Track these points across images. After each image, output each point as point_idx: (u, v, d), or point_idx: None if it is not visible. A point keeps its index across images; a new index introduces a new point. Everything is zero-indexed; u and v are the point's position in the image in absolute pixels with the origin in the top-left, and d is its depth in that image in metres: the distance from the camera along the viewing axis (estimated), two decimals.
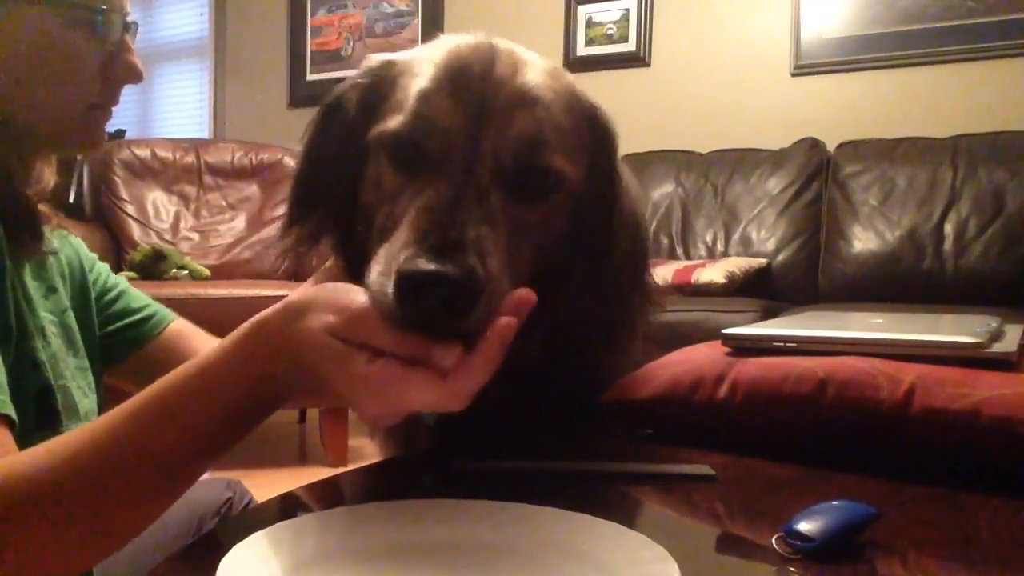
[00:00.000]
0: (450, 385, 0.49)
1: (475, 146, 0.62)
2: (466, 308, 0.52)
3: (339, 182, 0.74)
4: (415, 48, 0.73)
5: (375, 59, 0.75)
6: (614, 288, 0.76)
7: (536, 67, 0.69)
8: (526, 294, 0.52)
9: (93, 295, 0.96)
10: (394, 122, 0.66)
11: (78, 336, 0.90)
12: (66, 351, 0.87)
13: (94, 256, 1.00)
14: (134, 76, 0.84)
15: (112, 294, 0.99)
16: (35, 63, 0.79)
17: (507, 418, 0.74)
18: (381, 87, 0.71)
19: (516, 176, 0.64)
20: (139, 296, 1.03)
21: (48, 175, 0.88)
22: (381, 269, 0.55)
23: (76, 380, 0.86)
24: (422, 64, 0.68)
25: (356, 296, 0.53)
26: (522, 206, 0.65)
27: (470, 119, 0.63)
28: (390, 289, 0.52)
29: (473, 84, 0.64)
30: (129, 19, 0.85)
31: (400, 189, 0.65)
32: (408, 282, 0.51)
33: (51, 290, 0.89)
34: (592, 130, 0.72)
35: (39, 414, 0.78)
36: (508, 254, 0.61)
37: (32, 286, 0.85)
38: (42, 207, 0.86)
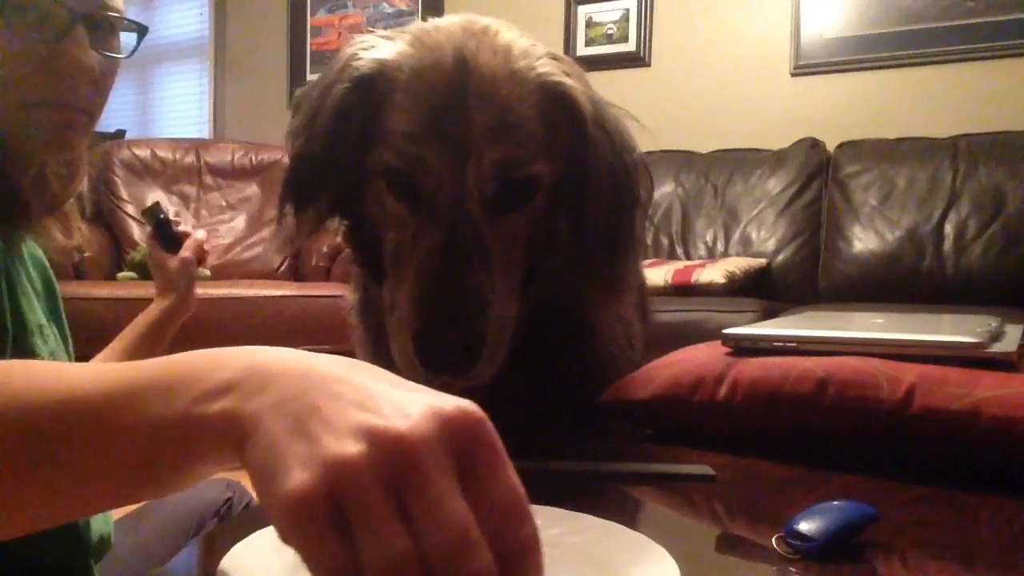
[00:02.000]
0: None
1: (461, 178, 0.71)
2: (472, 362, 0.65)
3: (333, 162, 0.78)
4: (397, 42, 0.78)
5: (362, 56, 0.78)
6: (596, 224, 0.77)
7: (506, 72, 0.74)
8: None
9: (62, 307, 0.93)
10: (388, 155, 0.75)
11: (66, 341, 0.90)
12: (63, 347, 0.86)
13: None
14: (78, 71, 0.75)
15: None
16: None
17: (511, 403, 0.74)
18: (373, 90, 0.76)
19: (500, 191, 0.72)
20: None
21: (55, 183, 0.80)
22: (396, 328, 0.70)
23: None
24: (409, 84, 0.74)
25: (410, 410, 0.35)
26: (508, 216, 0.73)
27: (453, 155, 0.71)
28: (405, 336, 0.67)
29: (452, 117, 0.72)
30: (107, 13, 0.77)
31: (402, 219, 0.75)
32: (424, 352, 0.66)
33: (47, 283, 0.88)
34: (566, 116, 0.76)
35: None
36: (504, 267, 0.71)
37: (30, 283, 0.84)
38: (69, 209, 0.84)
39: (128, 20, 0.80)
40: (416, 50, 0.76)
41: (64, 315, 0.92)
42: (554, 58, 0.79)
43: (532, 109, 0.74)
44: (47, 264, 0.92)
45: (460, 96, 0.72)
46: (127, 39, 0.83)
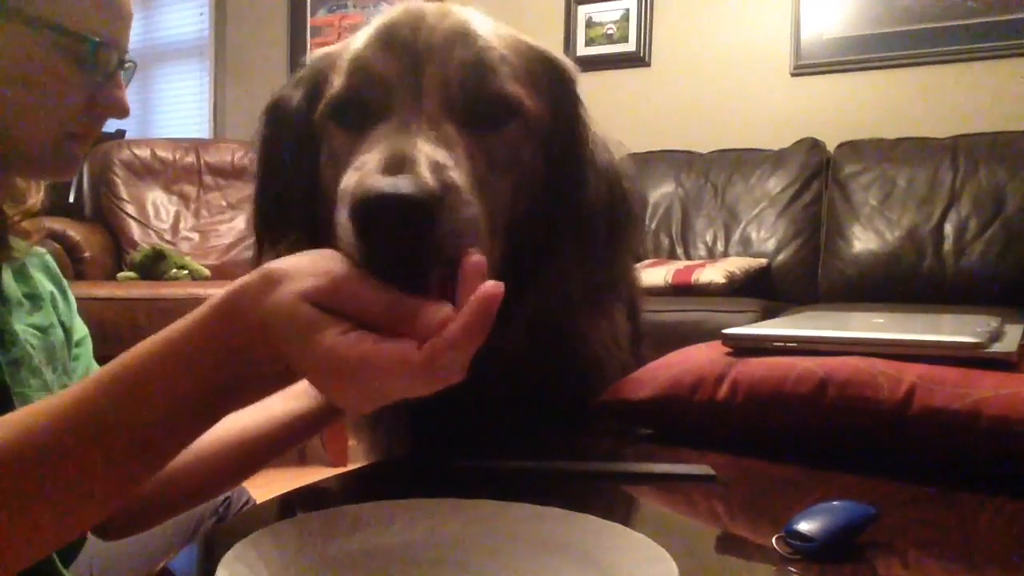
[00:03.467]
0: (430, 360, 0.43)
1: (418, 83, 0.62)
2: (427, 220, 0.49)
3: (298, 178, 0.71)
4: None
5: (316, 53, 0.75)
6: (591, 235, 0.73)
7: (473, 14, 0.68)
8: (493, 287, 0.45)
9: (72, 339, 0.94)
10: (334, 88, 0.66)
11: (62, 355, 0.89)
12: (46, 364, 0.85)
13: (73, 299, 0.97)
14: (118, 111, 0.82)
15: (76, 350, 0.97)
16: (15, 83, 0.77)
17: (493, 413, 0.73)
18: (321, 76, 0.71)
19: (467, 105, 0.63)
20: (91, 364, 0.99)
21: (33, 195, 0.86)
22: (342, 207, 0.53)
23: (49, 391, 0.83)
24: (356, 39, 0.68)
25: (339, 262, 0.48)
26: (482, 137, 0.63)
27: (407, 62, 0.63)
28: (348, 223, 0.49)
29: (405, 33, 0.64)
30: (128, 59, 0.84)
31: (352, 147, 0.62)
32: (362, 208, 0.49)
33: (36, 303, 0.88)
34: (549, 73, 0.72)
35: None
36: (476, 181, 0.59)
37: (16, 292, 0.84)
38: (26, 224, 0.85)
39: (130, 60, 0.86)
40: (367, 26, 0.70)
41: (61, 317, 0.92)
42: None
43: (508, 47, 0.67)
44: (46, 267, 0.93)
45: (417, 15, 0.66)
46: None
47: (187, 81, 4.46)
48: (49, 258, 0.95)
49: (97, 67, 0.79)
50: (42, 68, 0.77)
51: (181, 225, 3.53)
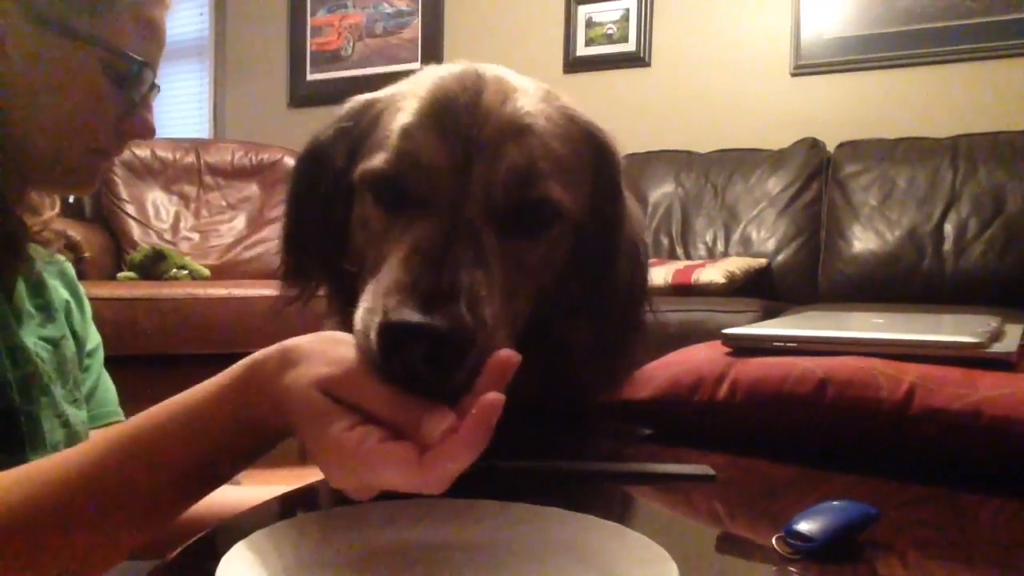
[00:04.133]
0: (428, 468, 0.45)
1: (464, 182, 0.58)
2: (455, 363, 0.49)
3: (329, 230, 0.69)
4: (400, 82, 0.69)
5: (358, 99, 0.71)
6: (613, 320, 0.71)
7: (527, 92, 0.64)
8: (508, 356, 0.47)
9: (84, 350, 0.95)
10: (377, 160, 0.62)
11: (73, 368, 0.89)
12: (55, 378, 0.85)
13: (88, 308, 0.99)
14: (147, 133, 0.85)
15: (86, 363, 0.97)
16: (52, 92, 0.78)
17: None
18: (364, 126, 0.68)
19: (510, 211, 0.60)
20: (107, 385, 1.00)
21: (49, 208, 0.87)
22: (368, 306, 0.52)
23: (57, 409, 0.84)
24: (405, 98, 0.64)
25: (352, 349, 0.51)
26: (519, 243, 0.61)
27: (456, 154, 0.59)
28: (374, 337, 0.49)
29: (459, 116, 0.60)
30: (156, 81, 0.85)
31: (388, 228, 0.61)
32: (392, 334, 0.48)
33: (49, 315, 0.88)
34: (593, 153, 0.68)
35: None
36: (505, 296, 0.57)
37: (26, 303, 0.84)
38: (47, 233, 0.86)
39: (157, 84, 0.87)
40: (416, 79, 0.67)
41: (76, 328, 0.92)
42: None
43: (558, 134, 0.64)
44: (63, 274, 0.94)
45: (473, 91, 0.62)
46: None
47: (187, 81, 4.46)
48: (68, 266, 0.96)
49: (134, 88, 0.81)
50: (82, 82, 0.78)
51: (181, 225, 3.53)
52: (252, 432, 0.54)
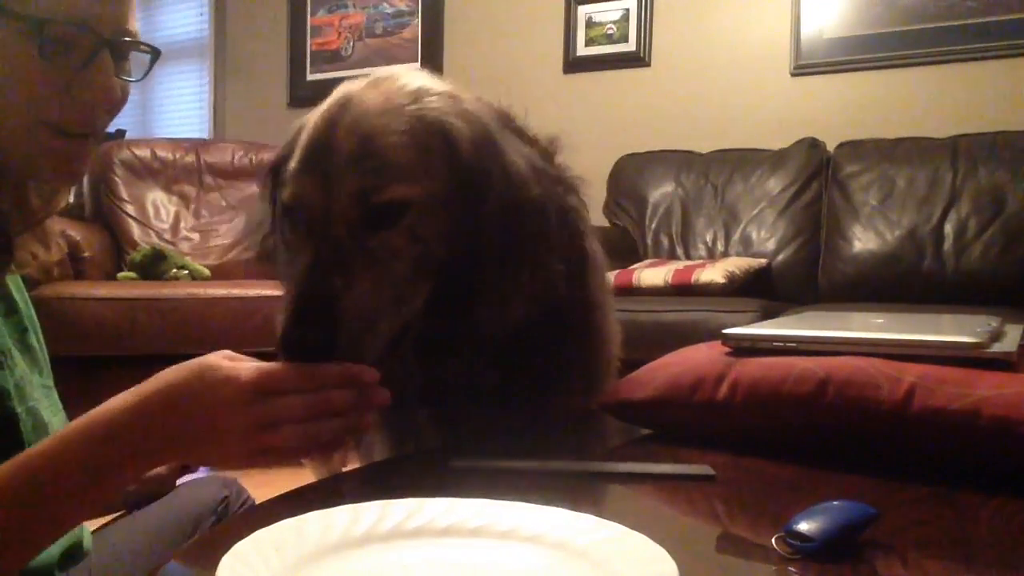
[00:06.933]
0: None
1: (327, 208, 0.77)
2: (328, 351, 0.70)
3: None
4: (317, 106, 0.84)
5: (294, 125, 0.88)
6: (512, 264, 0.82)
7: (379, 112, 0.79)
8: (360, 371, 0.70)
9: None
10: (285, 195, 0.82)
11: (41, 355, 0.88)
12: (31, 371, 0.84)
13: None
14: (107, 96, 0.76)
15: None
16: None
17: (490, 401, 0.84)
18: (291, 152, 0.83)
19: (370, 217, 0.77)
20: None
21: (35, 201, 0.83)
22: (280, 318, 0.75)
23: (43, 400, 0.83)
24: (304, 131, 0.83)
25: (251, 360, 0.69)
26: (382, 234, 0.78)
27: (320, 187, 0.77)
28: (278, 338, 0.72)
29: (320, 155, 0.79)
30: (144, 44, 0.78)
31: (293, 244, 0.82)
32: (284, 344, 0.71)
33: (11, 308, 0.85)
34: (443, 143, 0.80)
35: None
36: (381, 274, 0.76)
37: None
38: (48, 223, 0.85)
39: (144, 44, 0.79)
40: (326, 104, 0.83)
41: (37, 338, 0.89)
42: (452, 97, 0.83)
43: (402, 136, 0.79)
44: (15, 285, 0.89)
45: (331, 131, 0.79)
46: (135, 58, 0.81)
47: (187, 81, 4.46)
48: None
49: (72, 52, 0.73)
50: (6, 56, 0.71)
51: (181, 225, 3.53)
52: (164, 449, 0.67)
